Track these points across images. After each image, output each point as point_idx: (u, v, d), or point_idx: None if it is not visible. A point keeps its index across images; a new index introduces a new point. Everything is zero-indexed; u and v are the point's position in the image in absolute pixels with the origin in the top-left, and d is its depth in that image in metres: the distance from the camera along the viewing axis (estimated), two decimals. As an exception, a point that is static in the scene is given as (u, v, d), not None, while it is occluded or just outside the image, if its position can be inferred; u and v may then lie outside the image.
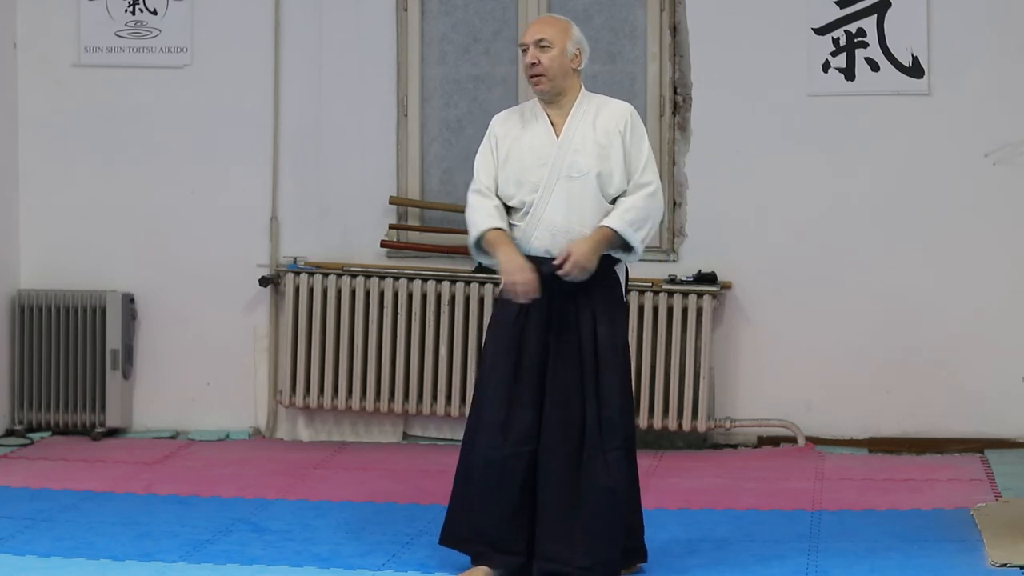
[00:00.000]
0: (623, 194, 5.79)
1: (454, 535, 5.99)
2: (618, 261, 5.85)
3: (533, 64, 5.77)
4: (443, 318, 8.43)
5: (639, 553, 6.01)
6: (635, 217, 5.75)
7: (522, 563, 5.82)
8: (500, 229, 5.79)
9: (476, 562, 5.90)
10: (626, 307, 6.01)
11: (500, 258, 5.75)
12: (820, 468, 7.87)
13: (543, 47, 5.76)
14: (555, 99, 5.83)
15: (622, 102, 5.91)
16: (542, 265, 5.75)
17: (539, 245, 5.78)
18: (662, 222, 8.36)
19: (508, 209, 5.85)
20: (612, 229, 5.73)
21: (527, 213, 5.80)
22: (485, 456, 5.82)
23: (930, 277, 8.25)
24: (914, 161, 8.25)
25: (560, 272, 5.68)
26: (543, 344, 5.78)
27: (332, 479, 7.73)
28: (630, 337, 8.16)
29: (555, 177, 5.77)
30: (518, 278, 5.71)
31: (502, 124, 5.96)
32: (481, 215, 5.82)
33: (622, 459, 5.79)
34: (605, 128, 5.79)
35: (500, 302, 5.91)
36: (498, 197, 5.85)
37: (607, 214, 5.76)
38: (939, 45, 8.17)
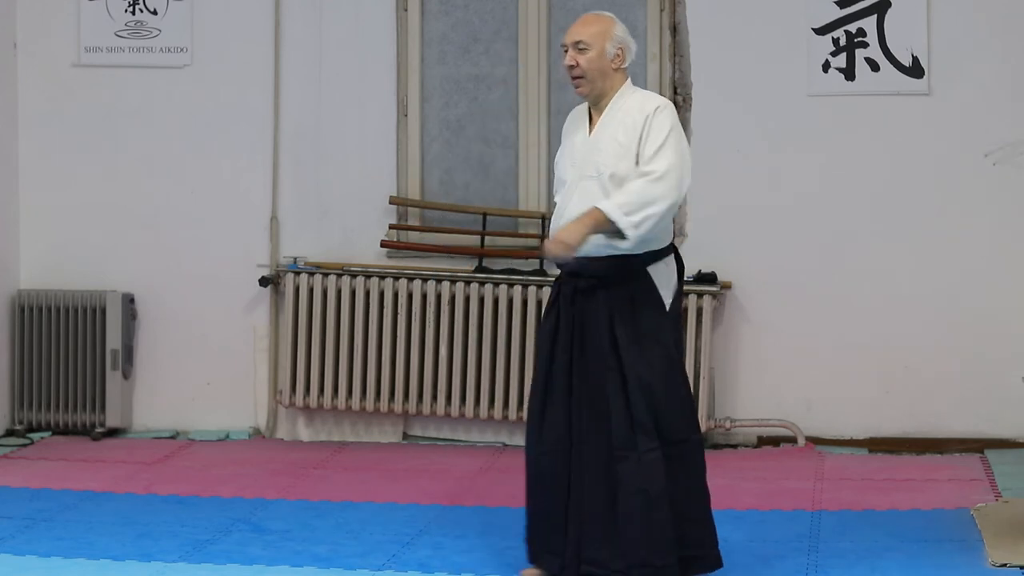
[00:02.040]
0: None
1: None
2: (650, 263, 5.67)
3: (571, 67, 5.68)
4: (443, 318, 8.43)
5: (705, 561, 5.79)
6: (628, 200, 5.54)
7: (562, 564, 5.74)
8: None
9: (529, 560, 5.89)
10: (672, 310, 5.74)
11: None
12: (820, 468, 7.86)
13: (581, 49, 5.65)
14: (597, 100, 5.73)
15: (658, 97, 5.75)
16: (565, 265, 5.73)
17: None
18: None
19: None
20: (600, 210, 5.54)
21: (556, 213, 5.80)
22: (526, 454, 5.83)
23: (930, 277, 8.25)
24: (914, 161, 8.25)
25: (544, 253, 5.61)
26: (570, 343, 5.71)
27: (332, 479, 7.73)
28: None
29: (578, 177, 5.71)
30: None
31: (567, 124, 5.92)
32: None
33: (659, 461, 5.62)
34: (630, 125, 5.65)
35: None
36: None
37: None
38: (939, 45, 8.17)
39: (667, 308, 5.70)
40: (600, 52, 5.66)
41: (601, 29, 5.69)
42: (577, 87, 5.71)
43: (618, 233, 5.56)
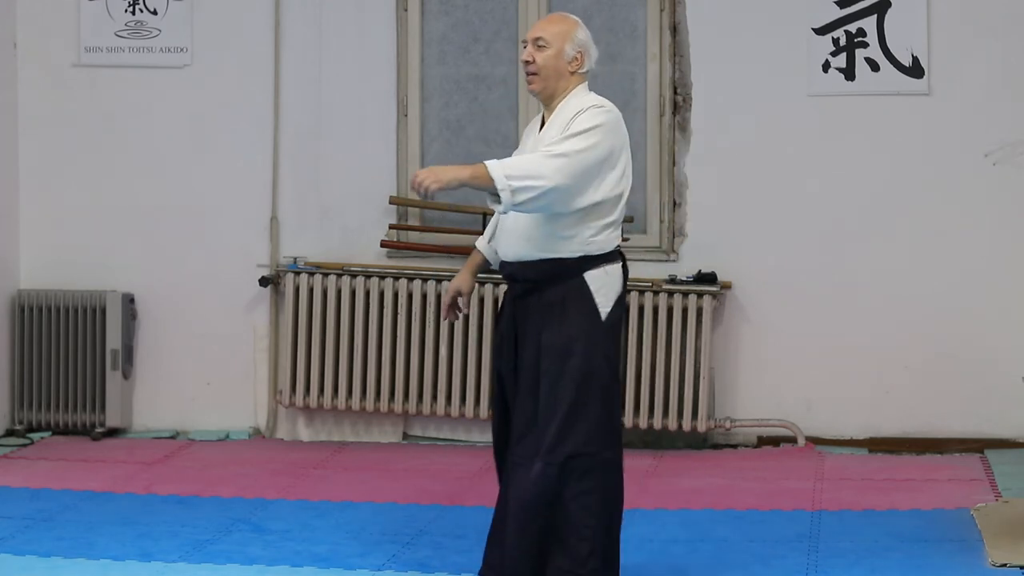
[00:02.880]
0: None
1: None
2: (587, 269, 5.51)
3: (527, 62, 5.61)
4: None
5: None
6: (516, 166, 5.38)
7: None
8: (476, 248, 5.87)
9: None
10: (608, 321, 5.54)
11: None
12: (820, 468, 7.87)
13: (540, 46, 5.59)
14: (549, 100, 5.64)
15: (601, 101, 5.59)
16: (503, 268, 5.65)
17: (503, 250, 5.64)
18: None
19: None
20: (486, 166, 5.37)
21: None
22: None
23: (930, 277, 8.25)
24: (914, 161, 8.25)
25: (412, 179, 5.45)
26: (512, 351, 5.62)
27: (332, 479, 7.73)
28: (630, 336, 8.23)
29: None
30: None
31: (527, 127, 5.88)
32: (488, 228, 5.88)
33: (554, 475, 5.44)
34: (562, 123, 5.53)
35: None
36: None
37: (559, 225, 5.47)
38: (939, 45, 8.17)
39: (602, 318, 5.52)
40: (558, 52, 5.59)
41: (563, 30, 5.64)
42: (530, 83, 5.62)
43: (496, 196, 5.40)
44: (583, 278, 5.52)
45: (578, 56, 5.63)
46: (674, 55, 8.38)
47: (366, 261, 8.58)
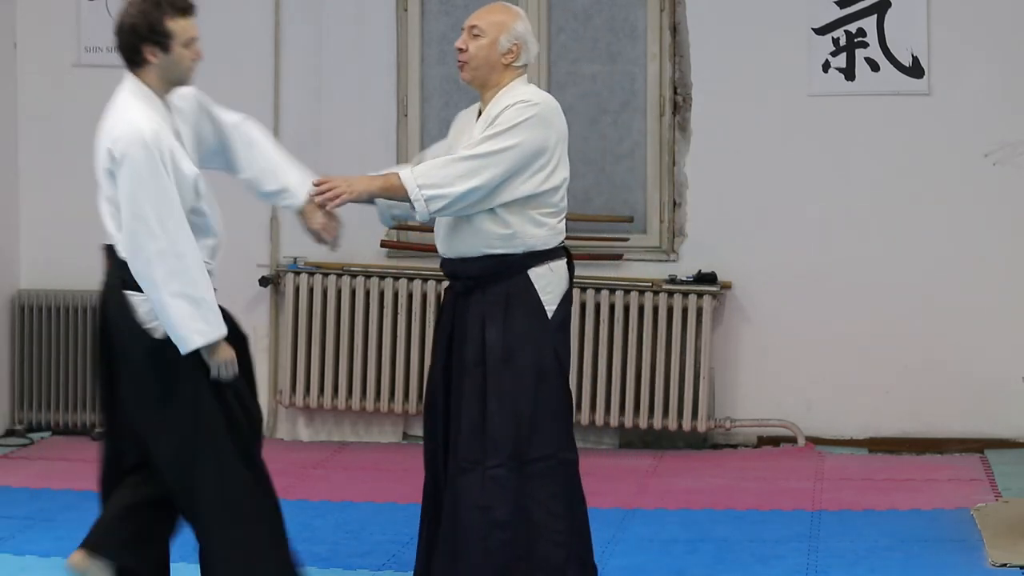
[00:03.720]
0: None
1: None
2: (532, 266, 5.37)
3: (460, 50, 5.42)
4: (443, 318, 8.43)
5: None
6: (428, 174, 5.27)
7: None
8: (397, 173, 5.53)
9: None
10: (555, 319, 5.41)
11: None
12: (820, 468, 7.87)
13: (475, 35, 5.39)
14: (482, 91, 5.45)
15: (534, 95, 5.39)
16: (444, 266, 5.55)
17: (442, 247, 5.51)
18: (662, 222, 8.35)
19: None
20: (397, 175, 5.31)
21: None
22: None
23: (930, 277, 8.25)
24: (914, 161, 8.25)
25: (314, 185, 5.34)
26: (448, 350, 5.44)
27: (332, 479, 7.73)
28: (630, 337, 8.22)
29: None
30: None
31: (459, 117, 5.67)
32: None
33: (507, 479, 5.28)
34: (488, 118, 5.37)
35: None
36: None
37: (498, 221, 5.34)
38: (939, 45, 8.17)
39: (548, 316, 5.39)
40: (492, 42, 5.38)
41: (500, 20, 5.42)
42: (460, 71, 5.44)
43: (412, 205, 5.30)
44: (527, 275, 5.38)
45: (513, 48, 5.41)
46: (674, 55, 8.38)
47: (366, 261, 8.57)
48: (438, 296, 8.40)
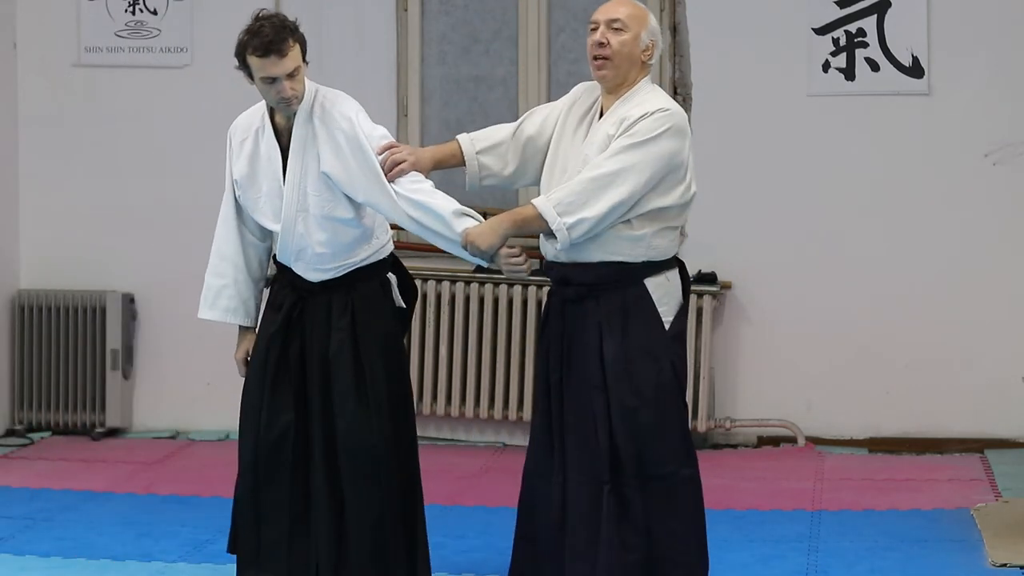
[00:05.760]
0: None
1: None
2: (649, 275, 5.18)
3: (601, 44, 5.10)
4: (443, 318, 8.43)
5: None
6: (564, 197, 5.00)
7: None
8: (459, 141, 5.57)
9: None
10: (672, 330, 5.21)
11: None
12: (820, 468, 7.87)
13: (616, 29, 5.10)
14: (612, 89, 5.18)
15: (662, 100, 5.18)
16: (551, 271, 5.30)
17: (552, 251, 5.25)
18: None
19: None
20: (534, 206, 5.03)
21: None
22: (526, 483, 5.36)
23: (930, 277, 8.25)
24: (914, 161, 8.25)
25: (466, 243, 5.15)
26: (559, 361, 5.20)
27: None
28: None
29: (575, 172, 5.18)
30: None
31: (576, 95, 5.37)
32: None
33: (629, 498, 5.11)
34: (621, 120, 5.12)
35: None
36: None
37: (626, 224, 5.17)
38: (939, 45, 8.17)
39: (666, 327, 5.20)
40: (635, 37, 5.13)
41: (640, 15, 5.17)
42: (599, 68, 5.15)
43: (552, 234, 5.07)
44: (644, 285, 5.18)
45: (651, 45, 5.18)
46: (674, 55, 8.38)
47: (366, 261, 8.56)
48: (438, 296, 8.39)
